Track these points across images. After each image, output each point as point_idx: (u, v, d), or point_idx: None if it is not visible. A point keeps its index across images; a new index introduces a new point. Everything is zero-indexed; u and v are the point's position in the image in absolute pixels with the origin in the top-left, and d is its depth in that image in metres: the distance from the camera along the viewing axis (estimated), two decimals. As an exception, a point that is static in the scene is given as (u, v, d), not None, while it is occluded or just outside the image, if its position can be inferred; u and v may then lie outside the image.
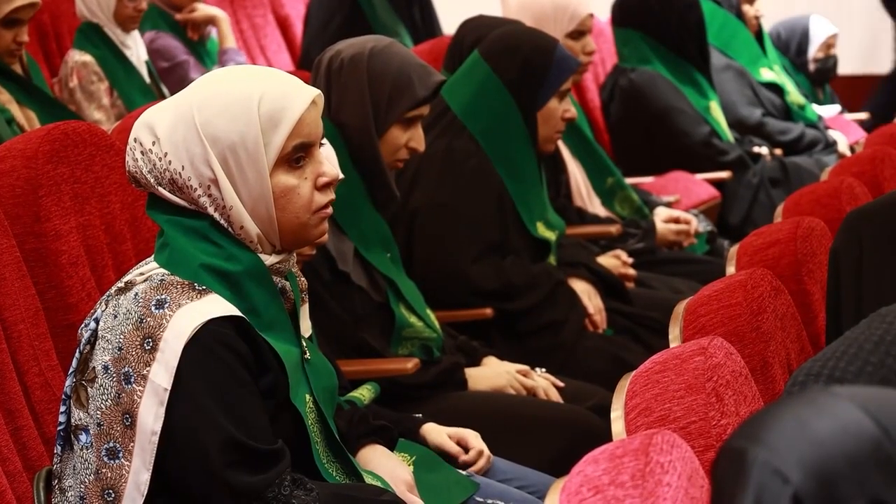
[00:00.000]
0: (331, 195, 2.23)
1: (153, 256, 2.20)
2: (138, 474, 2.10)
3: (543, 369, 3.33)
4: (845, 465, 1.17)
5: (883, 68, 7.86)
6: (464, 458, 2.68)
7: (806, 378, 1.60)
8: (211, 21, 5.16)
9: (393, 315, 3.11)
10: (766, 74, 5.95)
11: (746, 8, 6.07)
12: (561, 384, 3.28)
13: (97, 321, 2.16)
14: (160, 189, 2.16)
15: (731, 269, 2.72)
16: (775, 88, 5.95)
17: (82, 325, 2.20)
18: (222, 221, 2.16)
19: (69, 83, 4.56)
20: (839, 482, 1.16)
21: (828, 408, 1.21)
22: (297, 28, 6.07)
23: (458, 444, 2.70)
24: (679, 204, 4.88)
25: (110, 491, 2.12)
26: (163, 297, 2.10)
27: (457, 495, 2.58)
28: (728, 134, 5.46)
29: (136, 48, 4.74)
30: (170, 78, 4.94)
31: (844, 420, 1.19)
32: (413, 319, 3.14)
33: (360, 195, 3.09)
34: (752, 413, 1.27)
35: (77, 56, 4.58)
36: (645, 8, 5.31)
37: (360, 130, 3.07)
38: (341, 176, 2.25)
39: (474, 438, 2.72)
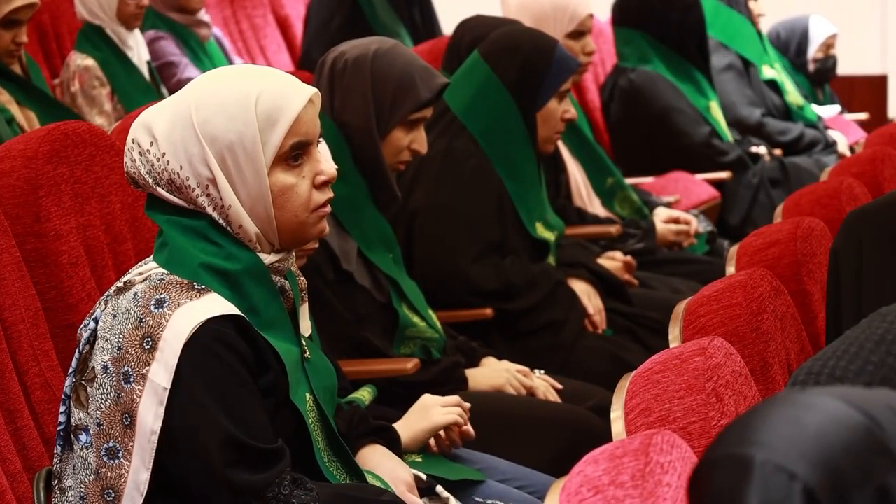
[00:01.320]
0: (329, 193, 2.22)
1: (152, 256, 2.20)
2: (138, 474, 2.10)
3: (542, 371, 3.33)
4: (845, 454, 1.16)
5: (883, 69, 7.86)
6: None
7: (807, 377, 1.60)
8: None
9: (395, 315, 3.12)
10: (768, 72, 5.95)
11: (752, 5, 6.07)
12: (559, 386, 3.28)
13: (96, 321, 2.16)
14: (159, 189, 2.16)
15: (731, 270, 2.72)
16: (775, 87, 5.95)
17: (82, 326, 2.20)
18: (221, 221, 2.16)
19: (71, 87, 4.56)
20: (844, 472, 1.16)
21: (812, 404, 1.21)
22: (297, 28, 6.07)
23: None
24: (679, 204, 4.89)
25: (110, 491, 2.12)
26: (162, 296, 2.10)
27: (467, 474, 2.66)
28: (728, 134, 5.46)
29: (137, 49, 4.74)
30: (163, 75, 4.94)
31: (833, 413, 1.19)
32: (416, 319, 3.15)
33: (362, 195, 3.10)
34: (731, 422, 1.25)
35: (79, 60, 4.58)
36: (647, 7, 5.30)
37: (362, 131, 3.07)
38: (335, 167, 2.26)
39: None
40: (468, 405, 2.74)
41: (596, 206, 4.49)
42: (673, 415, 1.81)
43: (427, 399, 2.70)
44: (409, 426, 2.64)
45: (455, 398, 2.72)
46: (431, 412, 2.67)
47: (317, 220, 2.21)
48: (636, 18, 5.33)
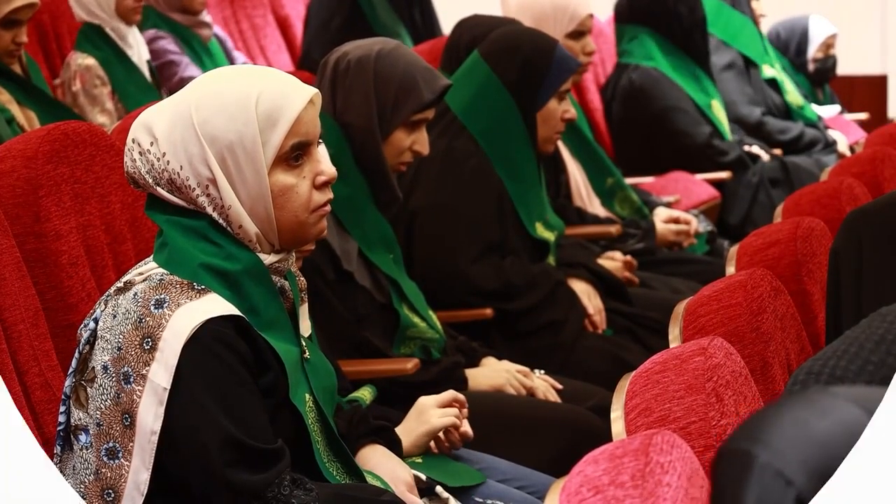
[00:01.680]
0: (329, 194, 2.22)
1: (152, 256, 2.20)
2: (138, 474, 2.10)
3: (542, 371, 3.33)
4: None
5: (883, 69, 7.86)
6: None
7: (807, 377, 1.60)
8: None
9: (395, 315, 3.12)
10: (768, 71, 5.95)
11: (755, 6, 6.07)
12: (560, 386, 3.28)
13: (96, 321, 2.16)
14: (159, 189, 2.16)
15: (731, 270, 2.72)
16: (776, 86, 5.95)
17: (81, 326, 2.20)
18: (221, 221, 2.16)
19: (72, 87, 4.55)
20: None
21: (828, 408, 1.21)
22: (297, 28, 6.07)
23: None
24: (679, 204, 4.89)
25: (110, 491, 2.12)
26: (162, 296, 2.10)
27: (467, 479, 2.63)
28: (729, 133, 5.45)
29: (137, 48, 4.73)
30: (164, 74, 4.94)
31: (845, 420, 1.19)
32: (416, 320, 3.15)
33: (363, 196, 3.10)
34: (751, 413, 1.26)
35: (80, 59, 4.57)
36: (659, 2, 5.30)
37: (363, 132, 3.07)
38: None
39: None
40: (463, 398, 2.74)
41: (596, 206, 4.49)
42: (673, 415, 1.81)
43: (423, 401, 2.69)
44: (408, 432, 2.64)
45: (450, 395, 2.71)
46: (428, 415, 2.67)
47: (317, 220, 2.21)
48: (645, 15, 5.33)
